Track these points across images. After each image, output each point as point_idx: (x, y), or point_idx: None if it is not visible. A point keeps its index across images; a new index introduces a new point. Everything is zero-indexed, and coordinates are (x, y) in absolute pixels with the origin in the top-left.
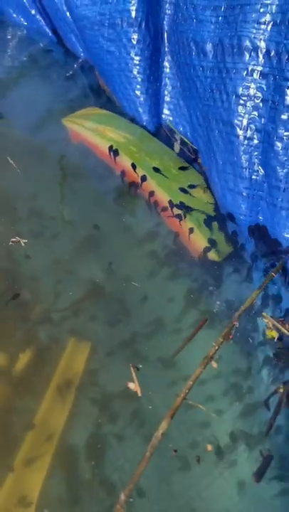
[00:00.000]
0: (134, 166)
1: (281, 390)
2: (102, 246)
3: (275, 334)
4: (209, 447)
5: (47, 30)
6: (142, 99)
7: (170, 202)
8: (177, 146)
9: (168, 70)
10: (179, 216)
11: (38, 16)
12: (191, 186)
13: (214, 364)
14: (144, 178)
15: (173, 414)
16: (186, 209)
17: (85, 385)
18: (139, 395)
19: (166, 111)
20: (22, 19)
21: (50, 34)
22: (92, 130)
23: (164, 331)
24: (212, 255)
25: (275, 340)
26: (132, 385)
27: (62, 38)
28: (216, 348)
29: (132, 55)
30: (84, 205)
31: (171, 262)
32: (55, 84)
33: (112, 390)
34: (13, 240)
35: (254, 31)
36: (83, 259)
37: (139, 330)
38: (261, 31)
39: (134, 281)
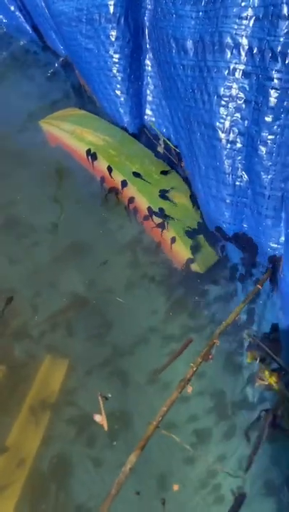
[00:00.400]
0: (110, 170)
1: (263, 418)
2: (83, 255)
3: (256, 355)
4: (176, 487)
5: (27, 27)
6: (122, 99)
7: (149, 209)
8: (160, 149)
9: (150, 68)
10: (161, 225)
11: (17, 13)
12: (173, 192)
13: (189, 388)
14: (124, 184)
15: (143, 446)
16: (166, 217)
17: (61, 405)
18: (106, 429)
19: (148, 111)
20: (1, 16)
21: (31, 31)
22: (70, 132)
23: (147, 345)
24: (195, 267)
25: (257, 362)
26: (98, 418)
27: (43, 35)
28: (194, 369)
29: (111, 52)
30: (64, 213)
31: (154, 272)
32: (36, 84)
33: (91, 410)
34: None
35: (235, 27)
36: (63, 269)
37: (121, 345)
38: (243, 27)
39: (116, 292)
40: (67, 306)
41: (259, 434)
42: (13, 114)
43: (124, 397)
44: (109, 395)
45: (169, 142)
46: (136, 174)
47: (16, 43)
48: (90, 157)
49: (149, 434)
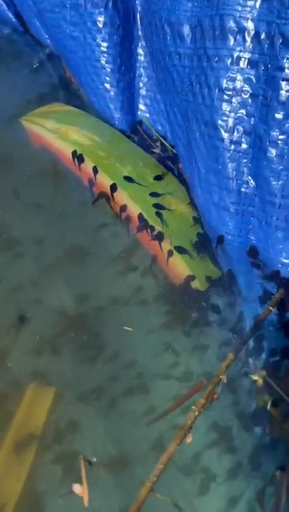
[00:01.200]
0: (95, 171)
1: (278, 478)
2: (72, 268)
3: (267, 399)
4: None
5: (9, 15)
6: (112, 93)
7: (141, 217)
8: (155, 149)
9: (142, 58)
10: (156, 237)
11: None
12: (169, 198)
13: (189, 438)
14: (113, 189)
15: (138, 509)
16: (162, 227)
17: (47, 441)
18: (86, 504)
19: (141, 106)
20: None
21: (14, 19)
22: (53, 131)
23: (146, 373)
24: (195, 283)
25: (268, 408)
26: (77, 488)
27: (27, 24)
28: (196, 414)
29: (99, 40)
30: (51, 221)
31: (150, 287)
32: (20, 77)
33: (80, 448)
34: None
35: (239, 9)
36: (51, 284)
37: (115, 369)
38: (248, 9)
39: (109, 310)
40: (55, 326)
41: (276, 501)
42: None
43: (119, 433)
44: (94, 460)
45: (164, 141)
46: (128, 178)
47: None
48: (76, 159)
49: (142, 497)
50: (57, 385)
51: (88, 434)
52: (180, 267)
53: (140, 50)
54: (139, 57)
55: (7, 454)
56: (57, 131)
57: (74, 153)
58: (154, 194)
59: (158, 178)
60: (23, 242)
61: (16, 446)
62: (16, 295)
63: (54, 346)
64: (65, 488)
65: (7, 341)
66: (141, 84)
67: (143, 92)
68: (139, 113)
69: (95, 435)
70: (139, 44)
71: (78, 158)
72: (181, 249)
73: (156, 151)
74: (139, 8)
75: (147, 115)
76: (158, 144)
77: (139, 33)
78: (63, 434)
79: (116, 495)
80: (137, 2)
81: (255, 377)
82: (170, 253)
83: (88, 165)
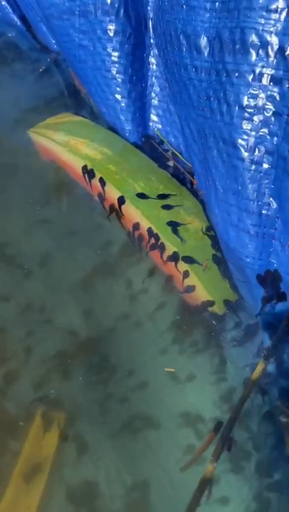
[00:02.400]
0: (102, 183)
1: None
2: (82, 287)
3: None
4: None
5: (15, 18)
6: (123, 104)
7: (155, 236)
8: (169, 162)
9: (155, 67)
10: (172, 257)
11: (3, 2)
12: (184, 216)
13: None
14: (121, 201)
15: None
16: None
17: (59, 470)
18: None
19: (153, 117)
20: None
21: (19, 23)
22: (63, 144)
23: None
24: (212, 308)
25: None
26: None
27: (32, 28)
28: (215, 465)
29: (109, 50)
30: (60, 238)
31: (165, 308)
32: (26, 84)
33: (92, 478)
34: None
35: (262, 22)
36: (60, 303)
37: (127, 392)
38: (272, 22)
39: (120, 331)
40: (65, 347)
41: None
42: (0, 118)
43: (133, 461)
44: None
45: (178, 154)
46: (140, 195)
47: (3, 37)
48: (86, 175)
49: None
50: (67, 411)
51: (103, 463)
52: (197, 289)
53: (152, 59)
54: (151, 66)
55: (17, 483)
56: (66, 145)
57: (84, 168)
58: (166, 206)
59: (163, 197)
60: (30, 261)
61: (26, 474)
62: (25, 316)
63: (64, 369)
64: None
65: (19, 364)
66: (153, 95)
67: (155, 102)
68: (150, 124)
69: (111, 466)
70: (151, 53)
71: (89, 173)
72: (198, 268)
73: (170, 164)
74: (151, 15)
75: (159, 126)
76: (170, 156)
77: (152, 41)
78: (73, 463)
79: None
80: (149, 9)
81: (284, 419)
82: (186, 274)
83: (97, 179)
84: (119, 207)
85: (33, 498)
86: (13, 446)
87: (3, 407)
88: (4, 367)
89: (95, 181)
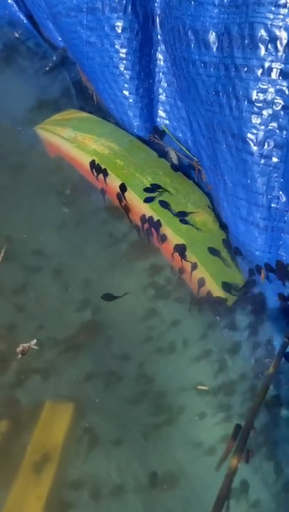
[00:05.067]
0: (123, 189)
1: None
2: (90, 282)
3: None
4: None
5: (21, 16)
6: (131, 100)
7: (164, 229)
8: (175, 157)
9: (162, 63)
10: (178, 248)
11: (10, 1)
12: (192, 208)
13: None
14: (123, 189)
15: None
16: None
17: (67, 459)
18: None
19: (161, 113)
20: None
21: (25, 21)
22: (70, 140)
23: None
24: (221, 298)
25: None
26: None
27: (39, 26)
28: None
29: (117, 46)
30: (69, 234)
31: (174, 301)
32: (32, 81)
33: (104, 466)
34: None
35: (271, 16)
36: (69, 298)
37: (141, 384)
38: (281, 17)
39: (132, 321)
40: (74, 340)
41: None
42: (7, 115)
43: (145, 454)
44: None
45: (186, 150)
46: (148, 190)
47: (9, 34)
48: (94, 170)
49: None
50: (76, 402)
51: (111, 452)
52: (206, 280)
53: (160, 55)
54: (158, 62)
55: (26, 473)
56: (74, 140)
57: (92, 163)
58: (181, 214)
59: (181, 186)
60: (40, 255)
61: (35, 464)
62: (35, 310)
63: (74, 361)
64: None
65: (31, 357)
66: (160, 90)
67: (162, 98)
68: (158, 120)
69: (119, 454)
70: (159, 49)
71: (97, 168)
72: (206, 260)
73: (176, 158)
74: (158, 12)
75: (167, 122)
76: (177, 151)
77: (159, 37)
78: (84, 451)
79: None
80: (156, 6)
81: None
82: (194, 266)
83: (110, 177)
84: (122, 193)
85: (42, 488)
86: (23, 437)
87: (13, 398)
88: (15, 359)
89: (102, 176)
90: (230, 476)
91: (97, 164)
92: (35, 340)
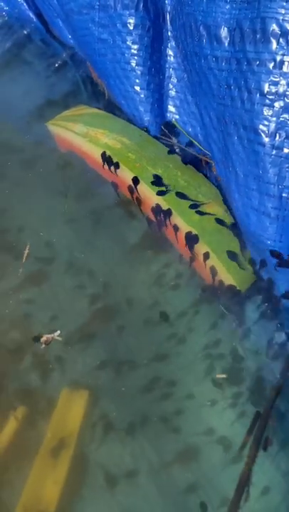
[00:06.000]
0: (135, 182)
1: None
2: (104, 276)
3: None
4: None
5: (30, 14)
6: (142, 95)
7: (176, 219)
8: (186, 151)
9: (172, 59)
10: (190, 238)
11: (19, 0)
12: (203, 201)
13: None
14: (136, 182)
15: None
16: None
17: (83, 447)
18: None
19: (171, 108)
20: (1, 3)
21: (35, 19)
22: (82, 135)
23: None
24: (234, 287)
25: None
26: None
27: (48, 24)
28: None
29: (129, 43)
30: (81, 228)
31: (186, 289)
32: (42, 78)
33: (119, 452)
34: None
35: (283, 11)
36: (80, 291)
37: (156, 373)
38: None
39: (140, 315)
40: (87, 330)
41: None
42: (17, 112)
43: (159, 440)
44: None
45: (197, 143)
46: (157, 177)
47: (19, 33)
48: (106, 163)
49: None
50: (92, 390)
51: (125, 438)
52: (218, 270)
53: (170, 51)
54: (168, 58)
55: (44, 458)
56: (86, 135)
57: (103, 155)
58: (194, 206)
59: (191, 179)
60: (52, 249)
61: (53, 449)
62: (49, 302)
63: (87, 350)
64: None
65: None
66: (171, 86)
67: (172, 93)
68: (168, 115)
69: (132, 439)
70: (169, 45)
71: (108, 160)
72: (218, 250)
73: (187, 152)
74: (169, 9)
75: (177, 117)
76: (188, 145)
77: (169, 33)
78: (99, 437)
79: (159, 501)
80: (167, 3)
81: None
82: (206, 255)
83: (121, 170)
84: (135, 186)
85: (60, 473)
86: (40, 423)
87: (30, 386)
88: (31, 348)
89: (114, 168)
90: (249, 465)
91: (108, 156)
92: (58, 331)
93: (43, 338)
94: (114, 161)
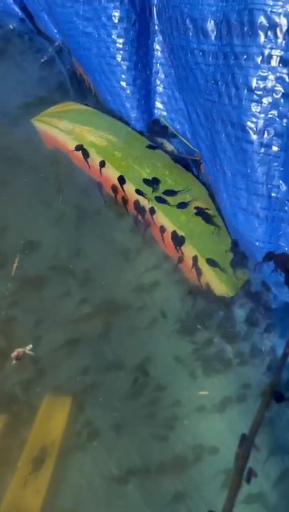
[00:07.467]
0: (121, 181)
1: None
2: (88, 274)
3: None
4: None
5: (15, 8)
6: (128, 91)
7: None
8: (172, 149)
9: (159, 54)
10: (177, 240)
11: None
12: (190, 199)
13: None
14: (121, 181)
15: None
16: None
17: (65, 454)
18: None
19: (158, 104)
20: None
21: (20, 14)
22: (67, 132)
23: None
24: (221, 290)
25: None
26: None
27: (34, 18)
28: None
29: (114, 36)
30: (65, 225)
31: (173, 290)
32: (28, 74)
33: (103, 458)
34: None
35: (271, 3)
36: (65, 291)
37: (140, 377)
38: (280, 3)
39: (127, 315)
40: (73, 335)
41: None
42: (3, 109)
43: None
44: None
45: (185, 141)
46: (146, 181)
47: (4, 27)
48: (83, 155)
49: None
50: (74, 395)
51: (111, 446)
52: (206, 274)
53: (157, 46)
54: (155, 53)
55: (25, 467)
56: (71, 132)
57: (79, 148)
58: (181, 205)
59: (180, 178)
60: (39, 248)
61: (34, 459)
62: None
63: (72, 355)
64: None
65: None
66: (158, 82)
67: (160, 89)
68: (155, 111)
69: (118, 447)
70: (156, 39)
71: (84, 152)
72: (212, 263)
73: (175, 150)
74: (155, 1)
75: (164, 113)
76: (175, 142)
77: (156, 27)
78: (83, 445)
79: (146, 511)
80: None
81: None
82: (195, 259)
83: (107, 168)
84: (121, 185)
85: (42, 482)
86: (22, 431)
87: (11, 393)
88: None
89: (92, 161)
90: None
91: (84, 148)
92: (30, 346)
93: (14, 353)
94: (100, 159)
